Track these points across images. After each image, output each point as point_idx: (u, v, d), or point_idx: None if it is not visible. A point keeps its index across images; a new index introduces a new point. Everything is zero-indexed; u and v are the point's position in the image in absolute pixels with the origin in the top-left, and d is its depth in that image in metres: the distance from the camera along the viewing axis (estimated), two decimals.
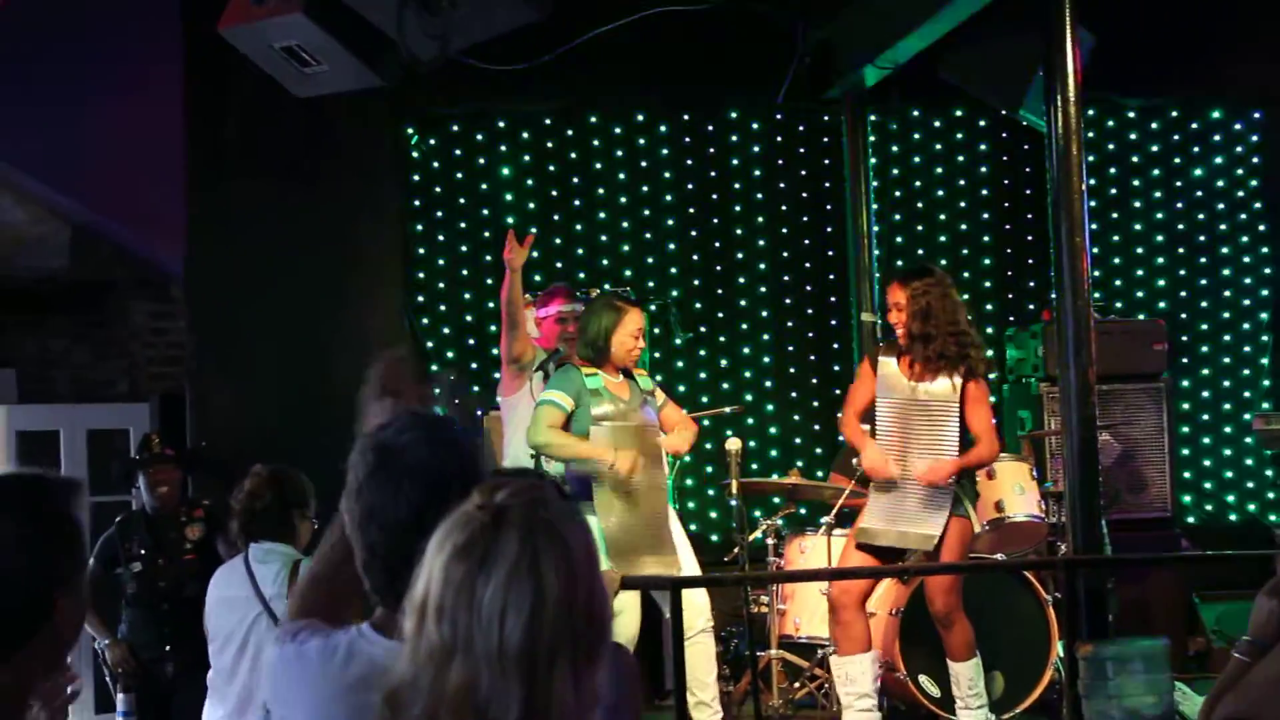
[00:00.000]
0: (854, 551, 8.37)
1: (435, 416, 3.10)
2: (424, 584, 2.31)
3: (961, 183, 12.15)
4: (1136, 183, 12.26)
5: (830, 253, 11.82)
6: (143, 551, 9.07)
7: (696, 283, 11.73)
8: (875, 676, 8.27)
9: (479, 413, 10.73)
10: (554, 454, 8.22)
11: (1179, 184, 12.28)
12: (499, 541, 2.28)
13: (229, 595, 6.31)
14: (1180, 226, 12.24)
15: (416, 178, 11.50)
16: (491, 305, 10.98)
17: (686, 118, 11.83)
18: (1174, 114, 12.29)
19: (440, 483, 2.87)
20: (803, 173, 11.93)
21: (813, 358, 11.82)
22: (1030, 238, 11.91)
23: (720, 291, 11.78)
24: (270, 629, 6.13)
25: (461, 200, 11.54)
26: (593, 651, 2.31)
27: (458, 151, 11.57)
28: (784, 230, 11.90)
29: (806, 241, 11.91)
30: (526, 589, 2.25)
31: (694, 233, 11.79)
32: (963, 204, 12.14)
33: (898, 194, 12.04)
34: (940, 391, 8.21)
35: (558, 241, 11.58)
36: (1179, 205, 12.26)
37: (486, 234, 11.41)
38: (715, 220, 11.83)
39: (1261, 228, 12.24)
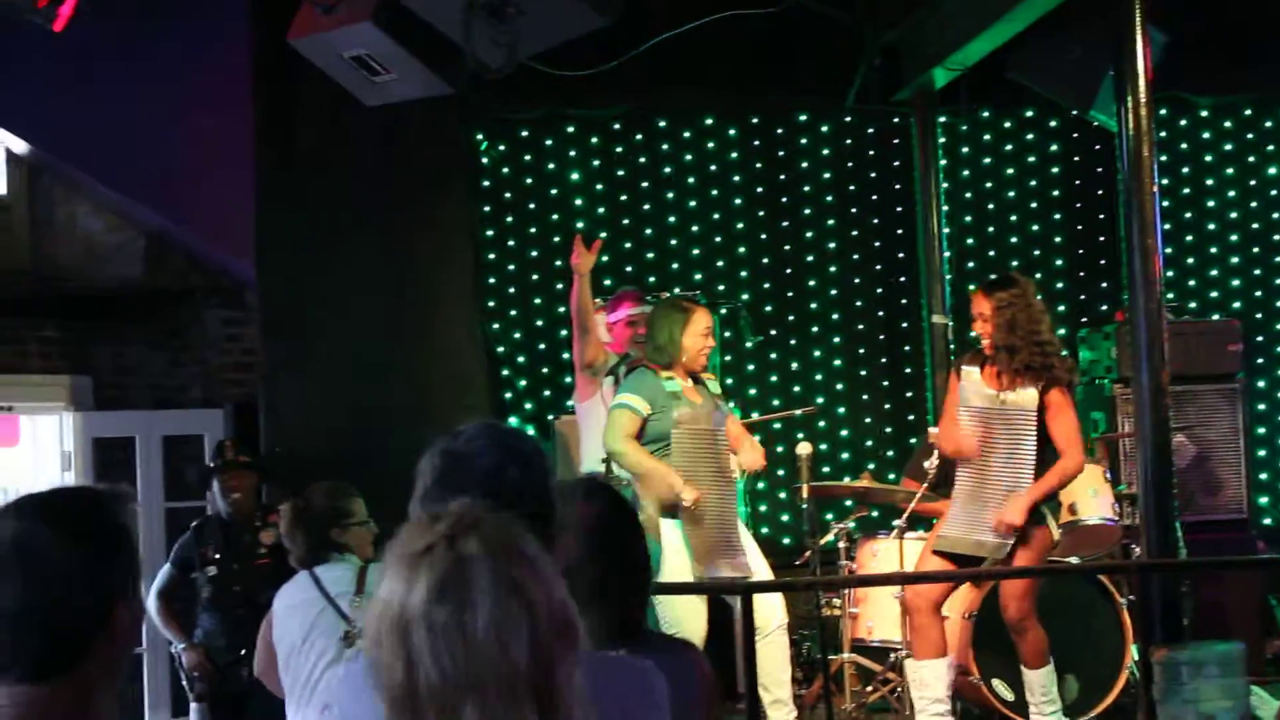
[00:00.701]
0: (930, 556, 8.36)
1: (505, 427, 3.12)
2: (399, 637, 2.26)
3: (1032, 183, 12.10)
4: (1210, 181, 12.18)
5: (901, 255, 11.80)
6: (218, 556, 9.13)
7: (766, 286, 11.73)
8: (949, 682, 8.25)
9: (549, 417, 10.79)
10: (625, 464, 8.22)
11: (1252, 182, 12.19)
12: (466, 568, 2.26)
13: (294, 603, 6.32)
14: (1254, 225, 12.15)
15: (486, 183, 11.55)
16: (562, 310, 10.98)
17: (755, 121, 11.82)
18: (1247, 112, 12.20)
19: (506, 490, 2.89)
20: (873, 175, 11.91)
21: (883, 360, 11.80)
22: (1102, 238, 11.85)
23: (790, 295, 11.77)
24: (333, 625, 6.15)
25: (531, 205, 11.56)
26: (576, 644, 2.32)
27: (527, 156, 11.60)
28: (854, 233, 11.89)
29: (877, 244, 11.90)
30: (516, 606, 2.25)
31: (764, 236, 11.79)
32: (1034, 205, 12.09)
33: (968, 196, 12.00)
34: (1023, 401, 8.16)
35: (627, 246, 11.60)
36: (1253, 204, 12.16)
37: (556, 239, 11.42)
38: (785, 223, 11.82)
39: None
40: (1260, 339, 11.92)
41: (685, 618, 8.04)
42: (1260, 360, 11.89)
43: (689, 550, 8.13)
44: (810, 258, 11.83)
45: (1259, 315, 12.00)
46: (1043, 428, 8.14)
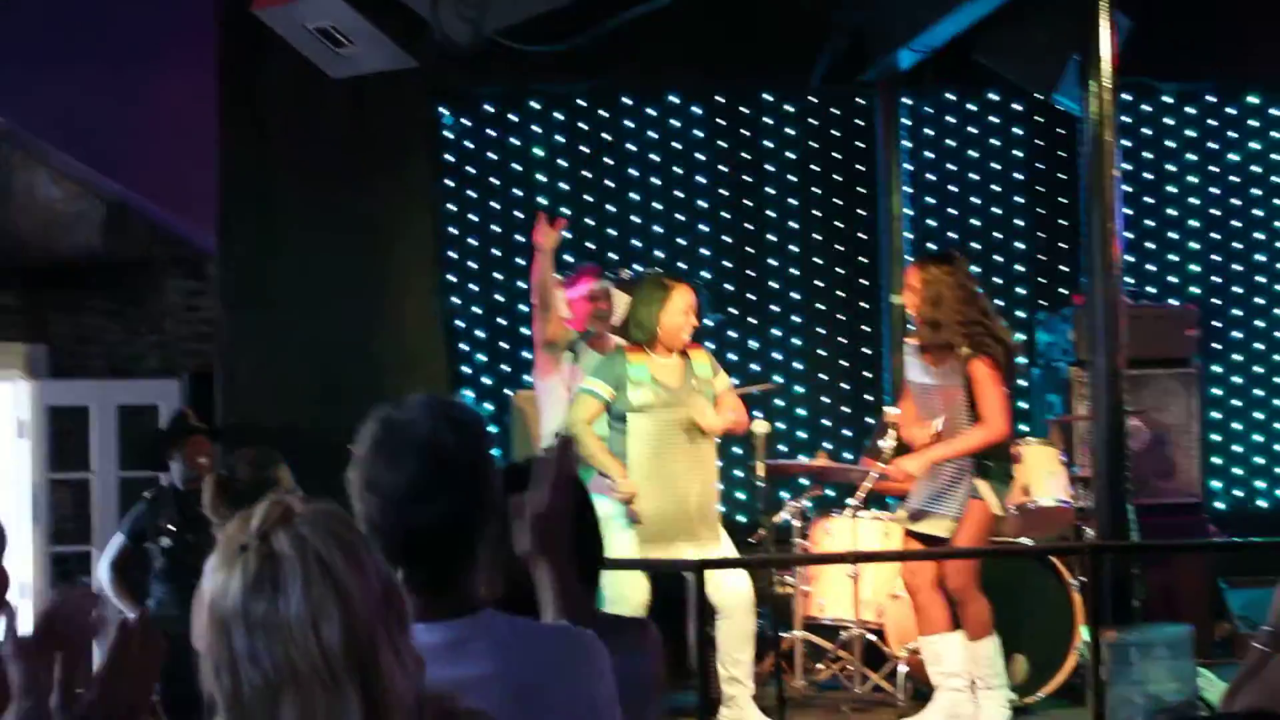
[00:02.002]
0: (905, 536, 8.46)
1: (447, 399, 3.13)
2: (222, 638, 2.25)
3: (995, 166, 12.12)
4: (1171, 167, 12.21)
5: (862, 236, 11.82)
6: (172, 527, 9.10)
7: (727, 264, 11.74)
8: (964, 657, 8.26)
9: (507, 392, 10.80)
10: (580, 449, 8.25)
11: (1214, 169, 12.23)
12: (278, 561, 2.27)
13: None
14: (1214, 212, 12.20)
15: (449, 158, 11.54)
16: (522, 286, 11.02)
17: (720, 99, 11.83)
18: (1210, 99, 12.24)
19: (439, 458, 2.91)
20: (836, 156, 11.92)
21: (842, 340, 11.82)
22: (1063, 222, 11.87)
23: (751, 273, 11.78)
24: None
25: (494, 180, 11.56)
26: (402, 618, 2.31)
27: (491, 131, 11.60)
28: (816, 213, 11.90)
29: (838, 224, 11.91)
30: (326, 592, 2.24)
31: (726, 215, 11.80)
32: (996, 187, 12.11)
33: (931, 177, 12.02)
34: (951, 376, 8.22)
35: (589, 222, 11.60)
36: (1214, 190, 12.21)
37: (518, 214, 11.43)
38: (747, 202, 11.83)
39: None
40: (1217, 325, 11.97)
41: (628, 593, 8.08)
42: (1216, 346, 11.95)
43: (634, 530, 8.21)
44: (771, 237, 11.85)
45: (1216, 301, 12.05)
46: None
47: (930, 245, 11.69)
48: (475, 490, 2.91)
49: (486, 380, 11.42)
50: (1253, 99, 12.24)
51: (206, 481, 6.43)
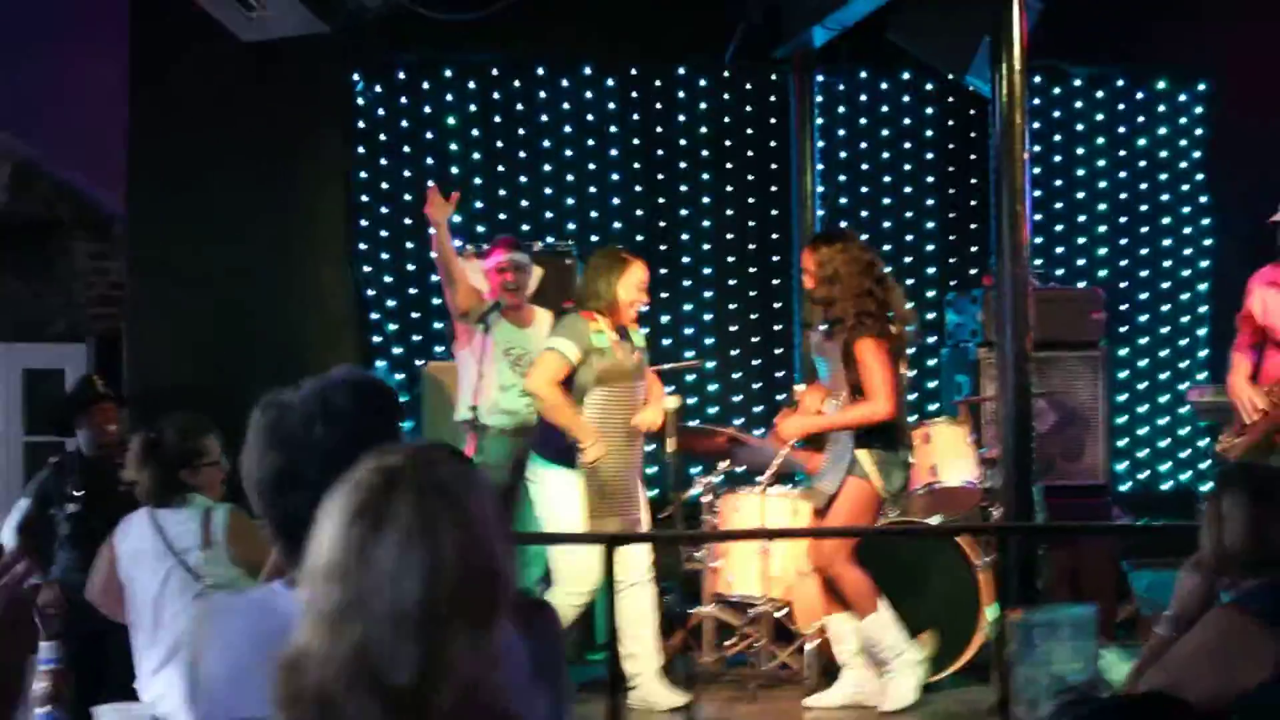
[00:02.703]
0: (813, 514, 8.52)
1: (337, 380, 3.06)
2: (319, 546, 2.30)
3: (907, 146, 12.18)
4: (1081, 150, 12.31)
5: (774, 212, 11.86)
6: (79, 493, 9.00)
7: (640, 238, 11.73)
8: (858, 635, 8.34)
9: (418, 363, 10.75)
10: (544, 408, 8.24)
11: (1123, 153, 12.34)
12: (392, 503, 2.28)
13: (139, 549, 6.23)
14: (1123, 196, 12.31)
15: (361, 125, 11.48)
16: (434, 255, 10.96)
17: (634, 73, 11.82)
18: (1120, 83, 12.34)
19: (307, 446, 2.89)
20: (749, 132, 11.95)
21: (754, 316, 11.86)
22: (974, 203, 11.94)
23: (663, 248, 11.79)
24: (185, 583, 6.10)
25: (406, 149, 11.52)
26: (491, 613, 2.31)
27: (403, 100, 11.54)
28: (729, 188, 11.92)
29: (751, 200, 11.94)
30: (422, 551, 2.25)
31: (639, 188, 11.81)
32: (908, 167, 12.17)
33: (843, 155, 12.07)
34: (839, 353, 8.27)
35: (502, 193, 11.58)
36: (1122, 175, 12.32)
37: (431, 183, 11.35)
38: (660, 176, 11.84)
39: (1203, 199, 12.32)
40: (1124, 307, 12.09)
41: (584, 571, 8.11)
42: (1123, 329, 12.06)
43: (584, 501, 8.21)
44: (684, 211, 11.87)
45: (1123, 284, 12.17)
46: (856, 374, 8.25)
47: (842, 223, 11.73)
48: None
49: (397, 350, 11.37)
50: (1161, 84, 12.34)
51: (133, 440, 6.39)
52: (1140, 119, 12.34)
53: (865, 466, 8.20)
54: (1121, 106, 12.34)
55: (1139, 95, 12.34)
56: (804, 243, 11.03)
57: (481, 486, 2.39)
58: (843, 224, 11.67)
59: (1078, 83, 12.27)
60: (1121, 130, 12.33)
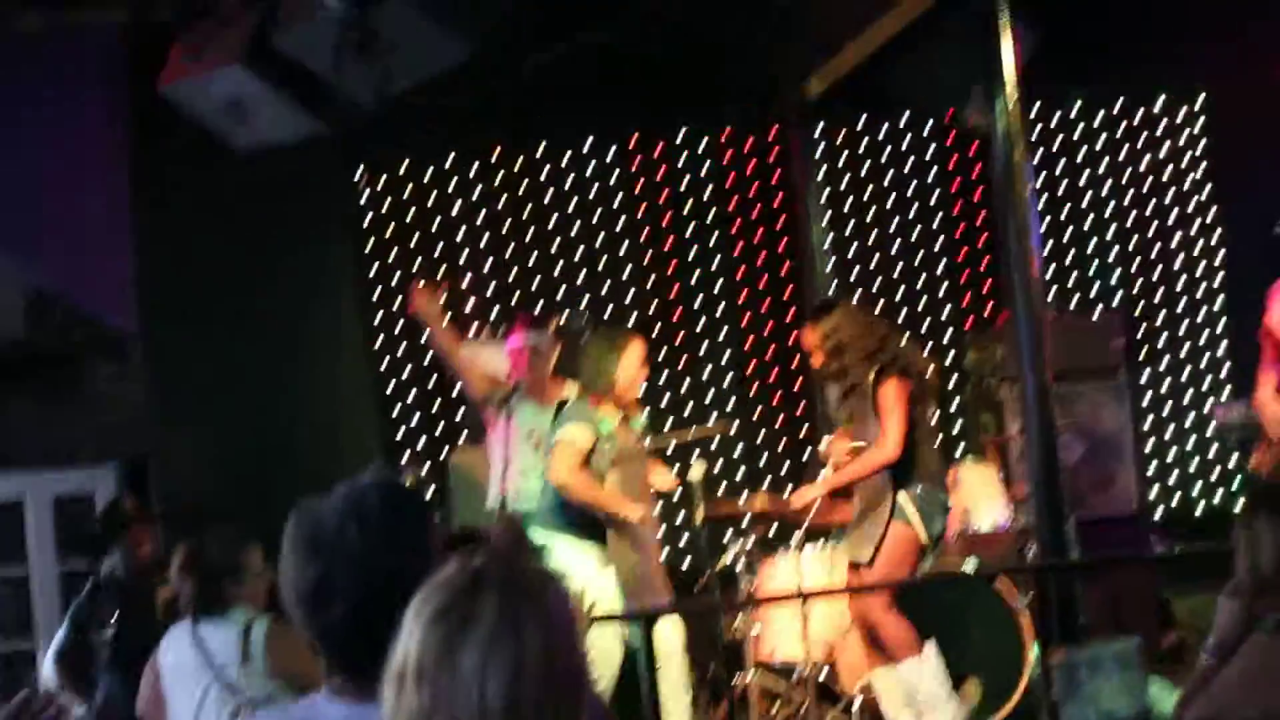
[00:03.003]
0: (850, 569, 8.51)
1: (369, 485, 3.07)
2: (403, 648, 2.30)
3: (911, 189, 12.17)
4: (1085, 175, 12.29)
5: (785, 268, 11.85)
6: (117, 616, 9.01)
7: (652, 307, 11.74)
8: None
9: (445, 452, 10.76)
10: (575, 496, 8.22)
11: (1128, 175, 12.31)
12: (477, 603, 2.28)
13: (180, 663, 6.23)
14: (1131, 218, 12.28)
15: (369, 219, 11.50)
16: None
17: (633, 142, 11.84)
18: (1120, 103, 12.31)
19: (343, 556, 2.89)
20: (753, 189, 11.96)
21: (774, 375, 11.83)
22: (984, 239, 11.93)
23: (676, 315, 11.80)
24: (222, 699, 6.09)
25: (414, 240, 11.54)
26: (574, 713, 2.31)
27: (408, 190, 11.57)
28: (738, 247, 11.93)
29: (761, 257, 11.94)
30: (507, 651, 2.25)
31: (649, 255, 11.81)
32: (914, 210, 12.17)
33: (849, 204, 12.06)
34: (868, 406, 8.28)
35: (513, 274, 11.59)
36: (1129, 196, 12.30)
37: (442, 270, 11.43)
38: (669, 241, 11.85)
39: (1212, 212, 12.28)
40: (1142, 331, 12.04)
41: (607, 653, 8.09)
42: (1143, 353, 12.01)
43: (618, 582, 8.20)
44: (696, 274, 11.87)
45: (1140, 308, 12.13)
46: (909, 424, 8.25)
47: (852, 273, 11.75)
48: (383, 587, 2.87)
49: (421, 442, 11.37)
50: (1160, 99, 12.32)
51: (177, 552, 6.39)
52: (1142, 137, 12.31)
53: (907, 510, 8.20)
54: (1122, 127, 12.32)
55: (1139, 114, 12.32)
56: (816, 296, 11.12)
57: (560, 585, 2.39)
58: (854, 270, 11.71)
59: (1076, 108, 12.24)
60: (1124, 151, 12.30)
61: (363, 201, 11.51)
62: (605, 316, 11.33)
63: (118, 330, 11.52)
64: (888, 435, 8.18)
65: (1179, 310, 12.24)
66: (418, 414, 11.41)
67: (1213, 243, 12.28)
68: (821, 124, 11.71)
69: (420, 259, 11.51)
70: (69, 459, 11.57)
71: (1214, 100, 12.32)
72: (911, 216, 12.15)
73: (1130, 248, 12.27)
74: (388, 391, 11.37)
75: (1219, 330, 12.21)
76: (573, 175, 11.81)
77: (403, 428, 11.39)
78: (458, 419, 11.19)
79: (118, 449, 11.54)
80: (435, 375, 11.41)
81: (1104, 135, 12.34)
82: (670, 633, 8.39)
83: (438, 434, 11.35)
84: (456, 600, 2.29)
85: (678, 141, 11.90)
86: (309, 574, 2.89)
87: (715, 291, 11.88)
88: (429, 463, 11.16)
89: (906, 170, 12.17)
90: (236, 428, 10.83)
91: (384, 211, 11.54)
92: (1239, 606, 4.81)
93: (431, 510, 3.15)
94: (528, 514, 8.65)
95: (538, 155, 11.76)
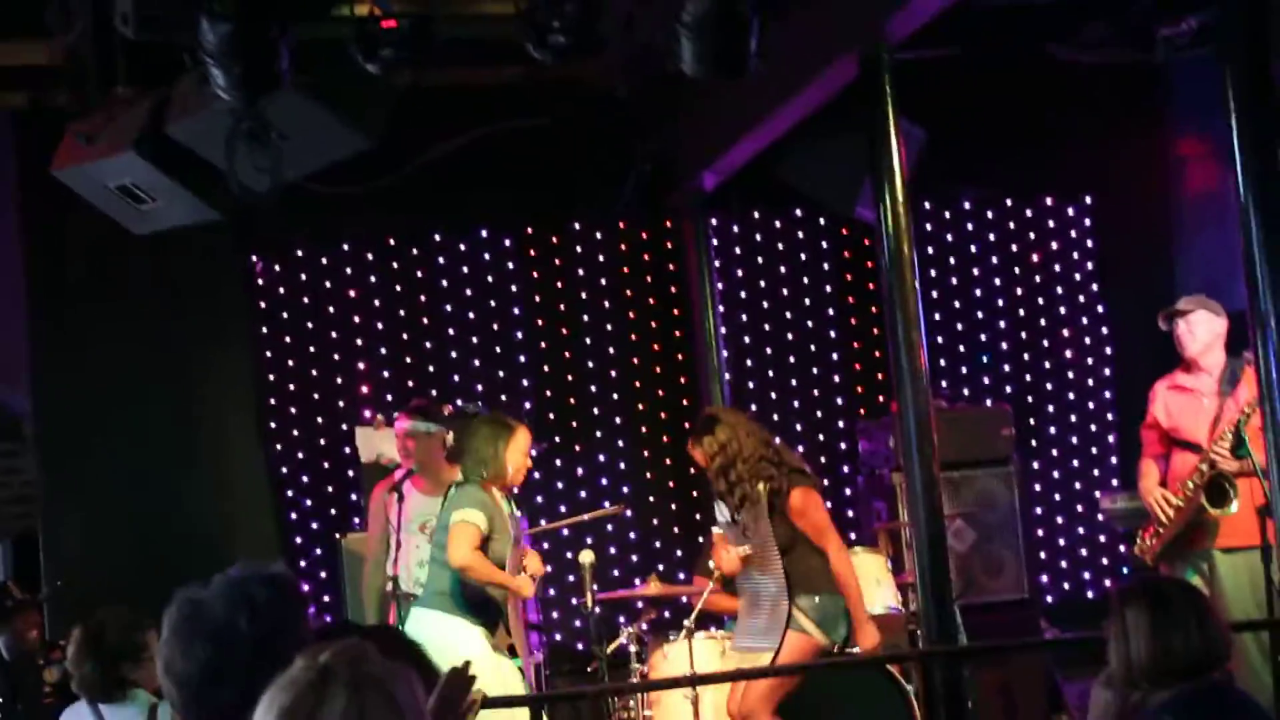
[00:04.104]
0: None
1: (256, 574, 3.12)
2: None
3: (805, 280, 12.29)
4: (976, 271, 12.46)
5: (680, 356, 11.93)
6: (4, 699, 8.95)
7: (549, 393, 11.79)
8: None
9: (337, 536, 10.74)
10: (477, 577, 8.21)
11: (1017, 270, 12.50)
12: (325, 700, 2.31)
13: None
14: (1021, 312, 12.46)
15: (263, 304, 11.50)
16: (344, 428, 11.05)
17: (530, 231, 11.91)
18: (1008, 203, 12.52)
19: (230, 641, 2.92)
20: (648, 279, 12.04)
21: (668, 462, 11.88)
22: (876, 330, 12.03)
23: (573, 401, 11.84)
24: None
25: (310, 324, 11.54)
26: None
27: (303, 276, 11.58)
28: (633, 337, 12.00)
29: (656, 347, 12.01)
30: None
31: (544, 344, 11.87)
32: (808, 301, 12.27)
33: (743, 295, 12.16)
34: (754, 518, 8.38)
35: (408, 360, 11.61)
36: (1019, 292, 12.48)
37: (337, 356, 11.45)
38: (564, 331, 11.91)
39: (1099, 309, 12.48)
40: (1032, 421, 12.20)
41: None
42: (1034, 443, 12.16)
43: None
44: (591, 363, 11.92)
45: (1030, 399, 12.29)
46: (790, 530, 8.31)
47: (747, 361, 11.86)
48: (270, 671, 2.91)
49: (314, 524, 11.34)
50: (1048, 200, 12.53)
51: (74, 634, 6.32)
52: (1030, 235, 12.52)
53: (802, 621, 8.27)
54: (1011, 225, 12.52)
55: (1027, 213, 12.52)
56: (710, 384, 11.21)
57: (408, 677, 2.42)
58: (748, 359, 11.82)
59: (966, 205, 12.43)
60: (1014, 248, 12.50)
61: (258, 284, 11.50)
62: (500, 404, 11.35)
63: (11, 408, 11.48)
64: (827, 535, 8.29)
65: (1069, 400, 12.40)
66: (310, 498, 11.36)
67: (1102, 335, 12.47)
68: (715, 217, 11.80)
69: (315, 344, 11.50)
70: None
71: (1100, 200, 12.53)
72: (805, 306, 12.25)
73: (1021, 340, 12.43)
74: (281, 473, 11.33)
75: (1109, 420, 12.37)
76: (467, 264, 11.84)
77: (294, 511, 11.34)
78: (349, 503, 11.17)
79: (7, 527, 11.49)
80: (328, 459, 11.39)
81: (992, 232, 12.51)
82: None
83: (330, 517, 11.31)
84: (304, 697, 2.32)
85: (572, 229, 11.97)
86: (198, 657, 2.91)
87: (610, 379, 11.93)
88: (321, 545, 11.16)
89: (800, 262, 12.28)
90: (129, 508, 10.78)
91: (279, 296, 11.53)
92: (1113, 696, 4.87)
93: (307, 601, 3.19)
94: (418, 598, 8.65)
95: (433, 242, 11.79)
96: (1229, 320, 8.71)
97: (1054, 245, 12.53)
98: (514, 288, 11.87)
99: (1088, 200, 12.56)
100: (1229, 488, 8.36)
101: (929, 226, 12.06)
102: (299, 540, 11.25)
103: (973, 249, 12.46)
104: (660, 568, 10.98)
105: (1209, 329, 8.72)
